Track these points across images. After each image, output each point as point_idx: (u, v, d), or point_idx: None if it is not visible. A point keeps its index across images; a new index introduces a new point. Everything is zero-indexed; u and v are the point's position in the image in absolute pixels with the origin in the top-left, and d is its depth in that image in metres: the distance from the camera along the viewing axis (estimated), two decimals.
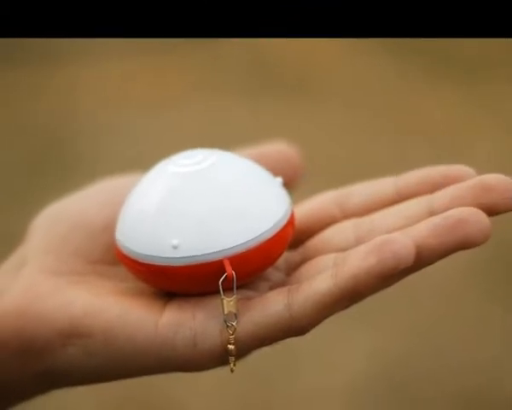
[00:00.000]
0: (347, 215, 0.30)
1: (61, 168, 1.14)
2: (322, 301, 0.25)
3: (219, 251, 0.26)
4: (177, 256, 0.26)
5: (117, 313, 0.26)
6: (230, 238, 0.26)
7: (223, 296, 0.26)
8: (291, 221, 0.28)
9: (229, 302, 0.26)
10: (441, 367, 0.87)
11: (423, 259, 0.25)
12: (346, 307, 0.26)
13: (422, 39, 1.21)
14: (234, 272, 0.26)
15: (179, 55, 1.36)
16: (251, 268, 0.27)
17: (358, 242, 0.27)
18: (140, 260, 0.26)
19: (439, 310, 0.94)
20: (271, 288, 0.28)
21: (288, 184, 0.30)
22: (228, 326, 0.25)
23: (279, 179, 0.29)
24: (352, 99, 1.26)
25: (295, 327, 0.26)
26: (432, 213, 0.26)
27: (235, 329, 0.25)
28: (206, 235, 0.26)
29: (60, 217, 0.29)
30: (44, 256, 0.28)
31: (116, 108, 1.27)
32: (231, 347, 0.25)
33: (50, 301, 0.27)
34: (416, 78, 1.28)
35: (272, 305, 0.26)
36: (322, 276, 0.26)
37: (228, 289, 0.26)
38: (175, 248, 0.26)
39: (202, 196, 0.27)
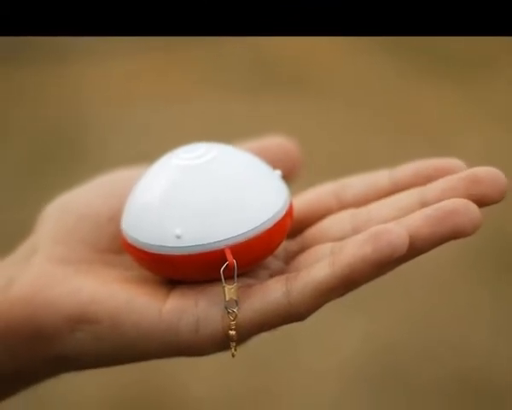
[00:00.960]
0: (344, 206, 0.30)
1: (68, 162, 1.14)
2: (319, 289, 0.25)
3: (221, 241, 0.26)
4: (180, 245, 0.26)
5: (123, 299, 0.26)
6: (231, 228, 0.26)
7: (224, 284, 0.26)
8: (290, 212, 0.28)
9: (230, 290, 0.26)
10: (432, 351, 0.87)
11: (416, 248, 0.25)
12: (343, 294, 0.26)
13: (421, 38, 1.21)
14: (235, 261, 0.26)
15: (182, 54, 1.35)
16: (251, 257, 0.27)
17: (355, 231, 0.27)
18: (145, 250, 0.27)
19: (430, 297, 0.95)
20: (271, 276, 0.28)
21: (287, 177, 0.30)
22: (229, 313, 0.25)
23: (278, 172, 0.29)
24: (350, 96, 1.26)
25: (294, 313, 0.26)
26: (424, 205, 0.27)
27: (236, 315, 0.25)
28: (207, 225, 0.26)
29: (67, 208, 0.29)
30: (53, 246, 0.28)
31: (121, 105, 1.26)
32: (232, 332, 0.26)
33: (59, 289, 0.27)
34: (414, 76, 1.28)
35: (272, 292, 0.26)
36: (319, 264, 0.26)
37: (229, 277, 0.26)
38: (178, 237, 0.26)
39: (204, 187, 0.27)
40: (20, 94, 1.27)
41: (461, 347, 0.88)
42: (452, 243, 0.26)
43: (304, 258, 0.28)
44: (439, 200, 0.26)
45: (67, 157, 1.15)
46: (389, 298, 0.92)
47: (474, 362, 0.86)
